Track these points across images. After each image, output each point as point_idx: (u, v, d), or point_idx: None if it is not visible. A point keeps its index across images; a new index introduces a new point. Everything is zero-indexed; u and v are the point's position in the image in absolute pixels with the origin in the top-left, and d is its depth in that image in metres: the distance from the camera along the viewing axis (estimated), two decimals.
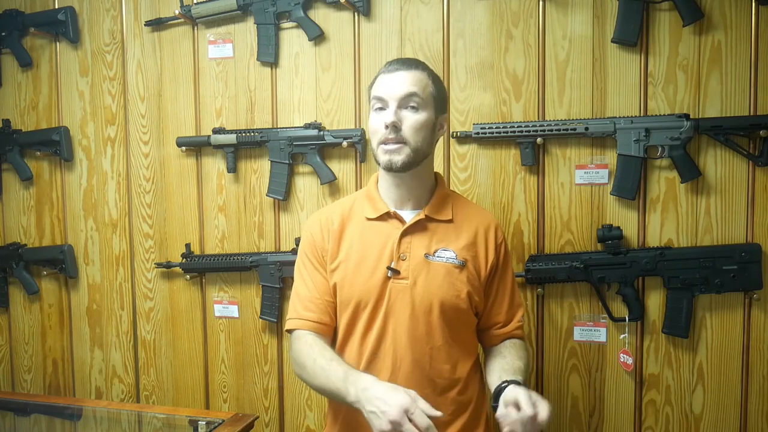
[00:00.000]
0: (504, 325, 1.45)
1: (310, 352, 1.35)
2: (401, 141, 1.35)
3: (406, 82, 1.36)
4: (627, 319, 1.78)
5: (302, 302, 1.43)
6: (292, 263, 1.98)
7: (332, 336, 1.44)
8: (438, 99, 1.41)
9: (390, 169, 1.36)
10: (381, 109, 1.37)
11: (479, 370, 1.47)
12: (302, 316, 1.42)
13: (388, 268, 1.37)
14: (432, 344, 1.36)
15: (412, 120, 1.35)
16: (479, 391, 1.45)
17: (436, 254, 1.38)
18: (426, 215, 1.40)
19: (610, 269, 1.77)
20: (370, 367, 1.36)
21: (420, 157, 1.38)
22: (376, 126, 1.37)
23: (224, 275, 2.12)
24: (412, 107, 1.36)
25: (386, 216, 1.42)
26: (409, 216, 1.41)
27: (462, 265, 1.38)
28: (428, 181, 1.44)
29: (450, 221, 1.42)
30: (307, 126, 1.98)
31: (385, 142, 1.35)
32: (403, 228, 1.40)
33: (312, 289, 1.43)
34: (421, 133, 1.36)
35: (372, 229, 1.42)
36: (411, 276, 1.36)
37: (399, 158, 1.35)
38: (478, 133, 1.84)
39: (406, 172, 1.38)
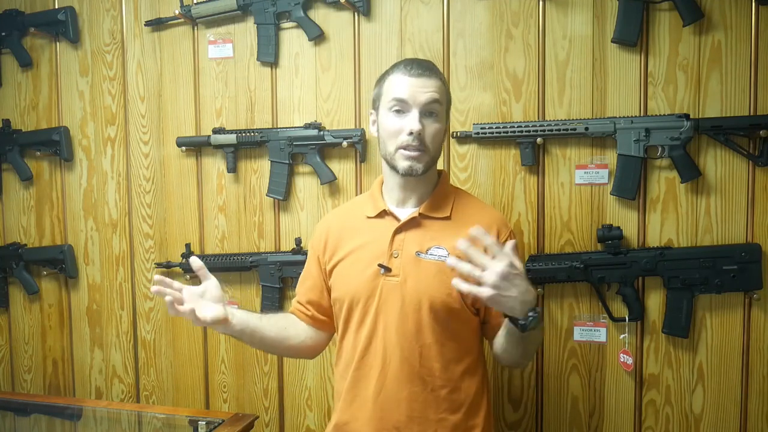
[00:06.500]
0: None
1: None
2: (422, 149, 1.36)
3: (430, 88, 1.36)
4: (627, 319, 1.78)
5: (297, 291, 1.59)
6: (292, 263, 2.00)
7: (309, 322, 1.54)
8: (449, 106, 1.47)
9: (410, 174, 1.37)
10: (400, 111, 1.36)
11: (479, 370, 1.44)
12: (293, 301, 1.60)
13: (380, 265, 1.38)
14: (422, 342, 1.35)
15: (433, 129, 1.37)
16: (476, 390, 1.41)
17: (429, 252, 1.37)
18: (420, 213, 1.41)
19: (610, 269, 1.77)
20: (362, 363, 1.39)
21: (434, 163, 1.42)
22: (396, 128, 1.37)
23: (224, 275, 2.11)
24: (433, 115, 1.37)
25: (383, 214, 1.44)
26: (407, 214, 1.42)
27: None
28: (431, 181, 1.45)
29: (447, 218, 1.41)
30: (307, 126, 1.98)
31: (406, 147, 1.36)
32: (397, 225, 1.40)
33: (300, 283, 1.58)
34: (438, 140, 1.40)
35: (370, 227, 1.44)
36: (402, 273, 1.37)
37: (420, 165, 1.37)
38: (478, 133, 1.84)
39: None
